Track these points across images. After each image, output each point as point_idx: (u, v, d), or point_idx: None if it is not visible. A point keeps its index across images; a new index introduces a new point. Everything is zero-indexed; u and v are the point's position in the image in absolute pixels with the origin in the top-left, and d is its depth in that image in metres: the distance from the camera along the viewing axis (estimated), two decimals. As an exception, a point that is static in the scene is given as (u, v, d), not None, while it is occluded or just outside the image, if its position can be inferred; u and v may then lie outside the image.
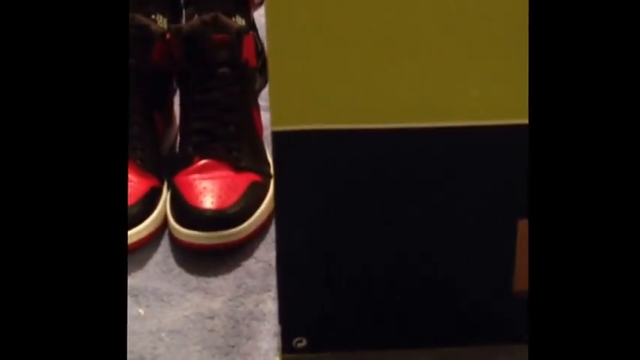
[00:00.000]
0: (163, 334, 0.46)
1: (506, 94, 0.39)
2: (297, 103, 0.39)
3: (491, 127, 0.40)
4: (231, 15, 0.59)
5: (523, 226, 0.42)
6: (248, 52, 0.55)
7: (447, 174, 0.41)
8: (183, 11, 0.62)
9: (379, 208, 0.42)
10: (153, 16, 0.59)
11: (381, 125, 0.39)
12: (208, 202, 0.51)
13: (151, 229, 0.52)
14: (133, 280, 0.50)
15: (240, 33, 0.54)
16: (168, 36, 0.55)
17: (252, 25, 0.60)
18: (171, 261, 0.51)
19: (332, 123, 0.39)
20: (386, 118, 0.39)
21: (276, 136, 0.39)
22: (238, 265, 0.51)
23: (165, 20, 0.60)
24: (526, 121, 0.39)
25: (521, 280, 0.44)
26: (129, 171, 0.52)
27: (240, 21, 0.59)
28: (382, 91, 0.38)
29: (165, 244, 0.52)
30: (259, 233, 0.53)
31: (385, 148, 0.40)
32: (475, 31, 0.37)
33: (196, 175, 0.52)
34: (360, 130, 0.39)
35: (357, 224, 0.42)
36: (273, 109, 0.39)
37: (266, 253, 0.52)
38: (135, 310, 0.47)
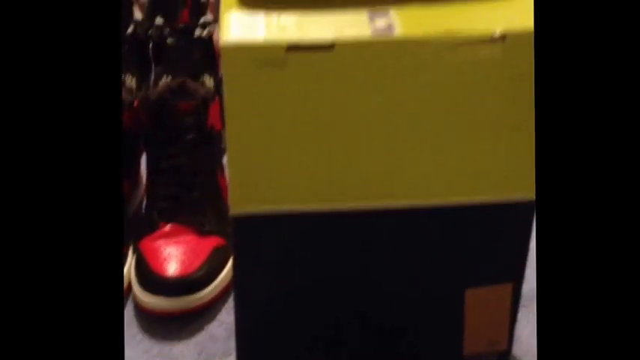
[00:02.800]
0: (126, 403, 0.47)
1: (455, 173, 0.41)
2: (257, 187, 0.40)
3: (444, 207, 0.42)
4: (199, 74, 0.61)
5: (470, 295, 0.44)
6: (214, 118, 0.56)
7: (402, 252, 0.43)
8: (153, 69, 0.63)
9: (334, 283, 0.43)
10: (123, 76, 0.60)
11: (338, 206, 0.41)
12: (172, 268, 0.52)
13: (116, 294, 0.53)
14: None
15: (206, 100, 0.55)
16: (135, 103, 0.56)
17: (219, 84, 0.62)
18: (135, 327, 0.52)
19: (290, 205, 0.41)
20: (343, 200, 0.41)
21: (236, 219, 0.41)
22: (201, 329, 0.52)
23: (134, 80, 0.62)
24: (475, 198, 0.42)
25: (470, 345, 0.46)
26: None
27: (208, 80, 0.61)
28: (340, 174, 0.40)
29: (129, 309, 0.53)
30: (222, 296, 0.54)
31: (341, 228, 0.42)
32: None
33: (161, 241, 0.53)
34: (315, 211, 0.41)
35: (312, 297, 0.43)
36: (232, 193, 0.40)
37: (228, 316, 0.53)
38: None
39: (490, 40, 0.36)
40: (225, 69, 0.36)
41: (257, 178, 0.39)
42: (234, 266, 0.42)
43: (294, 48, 0.36)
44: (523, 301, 0.54)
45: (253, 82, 0.36)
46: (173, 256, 0.52)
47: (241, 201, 0.40)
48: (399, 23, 0.36)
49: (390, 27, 0.36)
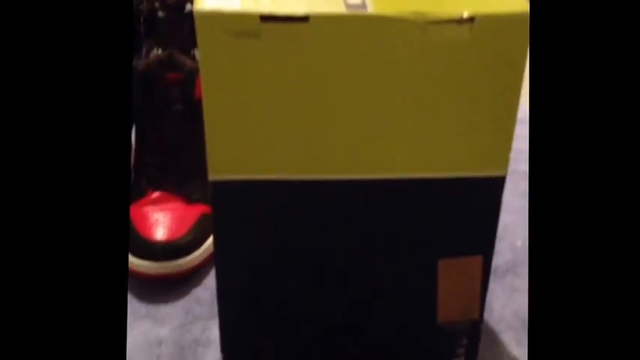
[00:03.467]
0: (112, 360, 0.49)
1: (429, 149, 0.42)
2: (233, 155, 0.42)
3: (417, 179, 0.43)
4: (189, 48, 0.62)
5: (443, 265, 0.46)
6: (201, 90, 0.57)
7: (377, 222, 0.44)
8: (143, 43, 0.65)
9: (311, 250, 0.45)
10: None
11: (313, 177, 0.42)
12: (160, 233, 0.54)
13: (105, 258, 0.55)
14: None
15: (193, 72, 0.57)
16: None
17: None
18: (123, 289, 0.54)
19: (266, 174, 0.42)
20: (318, 171, 0.42)
21: (214, 184, 0.42)
22: (187, 293, 0.54)
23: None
24: (448, 174, 0.43)
25: (443, 313, 0.48)
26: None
27: (198, 54, 0.62)
28: (314, 145, 0.42)
29: (118, 272, 0.56)
30: (208, 262, 0.56)
31: (318, 197, 0.43)
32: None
33: (149, 208, 0.55)
34: (291, 180, 0.43)
35: (290, 265, 0.45)
36: (210, 160, 0.42)
37: (214, 280, 0.55)
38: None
39: (458, 21, 0.38)
40: (199, 37, 0.37)
41: (233, 146, 0.41)
42: (214, 231, 0.44)
43: (269, 18, 0.37)
44: (498, 273, 0.56)
45: (228, 51, 0.38)
46: (161, 222, 0.54)
47: (219, 168, 0.42)
48: (373, 3, 0.38)
49: (363, 5, 0.37)
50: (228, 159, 0.42)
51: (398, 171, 0.42)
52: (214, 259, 0.45)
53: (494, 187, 0.44)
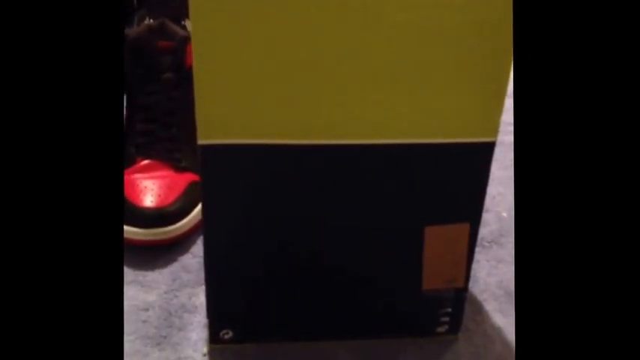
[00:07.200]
0: (100, 324, 0.50)
1: (422, 114, 0.43)
2: (223, 119, 0.42)
3: (406, 145, 0.43)
4: (180, 18, 0.62)
5: (429, 232, 0.46)
6: (192, 58, 0.57)
7: (365, 187, 0.45)
8: (136, 13, 0.64)
9: (298, 214, 0.45)
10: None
11: (303, 141, 0.43)
12: (148, 200, 0.54)
13: (93, 224, 0.55)
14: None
15: (184, 40, 0.57)
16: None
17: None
18: (111, 255, 0.54)
19: (255, 139, 0.43)
20: (310, 135, 0.42)
21: (203, 148, 0.43)
22: (175, 260, 0.55)
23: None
24: (435, 139, 0.44)
25: (428, 280, 0.48)
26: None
27: (189, 24, 0.62)
28: (305, 109, 0.42)
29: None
30: (196, 230, 0.56)
31: (306, 162, 0.43)
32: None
33: (138, 175, 0.55)
34: (280, 144, 0.43)
35: (276, 228, 0.46)
36: (199, 124, 0.42)
37: (201, 248, 0.55)
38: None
39: None
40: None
41: (222, 110, 0.41)
42: (202, 195, 0.44)
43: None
44: (483, 243, 0.57)
45: (219, 10, 0.38)
46: (149, 189, 0.54)
47: (208, 132, 0.42)
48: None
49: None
50: (217, 123, 0.42)
51: (387, 136, 0.43)
52: (202, 223, 0.46)
53: (483, 153, 0.44)
